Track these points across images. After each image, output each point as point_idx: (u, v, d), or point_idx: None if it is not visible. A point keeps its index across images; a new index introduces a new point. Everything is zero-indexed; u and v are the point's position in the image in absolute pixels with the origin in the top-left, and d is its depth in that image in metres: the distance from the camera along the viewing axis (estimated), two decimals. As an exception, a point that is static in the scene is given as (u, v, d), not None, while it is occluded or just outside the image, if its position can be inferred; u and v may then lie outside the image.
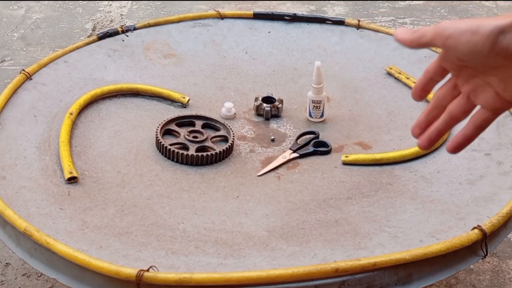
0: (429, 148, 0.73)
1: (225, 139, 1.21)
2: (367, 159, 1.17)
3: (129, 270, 0.89)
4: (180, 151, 1.16)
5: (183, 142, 1.19)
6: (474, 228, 0.98)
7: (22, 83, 1.28)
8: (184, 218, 1.05)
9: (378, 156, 1.18)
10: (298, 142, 1.23)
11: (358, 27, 1.49)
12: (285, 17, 1.51)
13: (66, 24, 2.08)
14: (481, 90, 0.68)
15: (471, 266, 1.28)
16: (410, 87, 1.34)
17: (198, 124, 1.23)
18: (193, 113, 1.26)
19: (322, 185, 1.13)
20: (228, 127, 1.22)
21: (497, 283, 1.29)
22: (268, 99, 1.30)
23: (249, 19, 1.52)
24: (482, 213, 1.04)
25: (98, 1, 2.21)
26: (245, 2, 2.24)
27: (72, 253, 0.92)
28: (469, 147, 1.18)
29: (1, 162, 1.11)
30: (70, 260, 0.92)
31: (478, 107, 0.69)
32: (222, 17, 1.51)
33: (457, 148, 0.71)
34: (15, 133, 1.18)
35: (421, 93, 0.72)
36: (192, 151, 1.17)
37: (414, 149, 1.18)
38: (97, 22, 2.10)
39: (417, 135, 0.73)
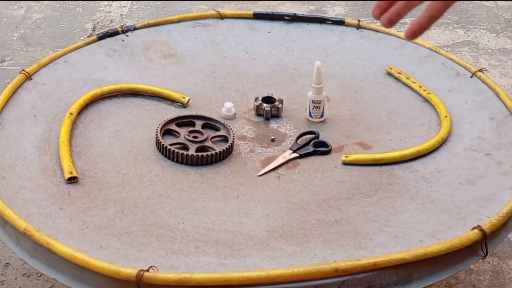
0: (390, 26, 0.79)
1: (225, 139, 1.21)
2: (367, 159, 1.17)
3: (129, 270, 0.89)
4: (180, 151, 1.16)
5: (183, 142, 1.19)
6: (474, 228, 0.98)
7: (22, 83, 1.28)
8: (184, 218, 1.05)
9: (378, 156, 1.18)
10: (298, 142, 1.23)
11: (358, 27, 1.48)
12: (285, 17, 1.51)
13: (66, 24, 2.08)
14: None
15: (471, 266, 1.28)
16: (410, 87, 1.34)
17: (198, 124, 1.23)
18: (193, 113, 1.26)
19: (322, 185, 1.13)
20: (228, 127, 1.22)
21: (497, 283, 1.29)
22: (268, 99, 1.30)
23: (249, 19, 1.51)
24: (482, 213, 1.04)
25: (98, 1, 2.21)
26: (245, 2, 2.24)
27: (72, 253, 0.92)
28: (469, 147, 1.19)
29: (1, 162, 1.11)
30: (70, 260, 0.92)
31: None
32: (222, 17, 1.51)
33: (413, 35, 0.77)
34: (15, 133, 1.18)
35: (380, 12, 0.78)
36: (192, 151, 1.17)
37: (414, 149, 1.18)
38: (97, 22, 2.10)
39: (377, 16, 0.79)
